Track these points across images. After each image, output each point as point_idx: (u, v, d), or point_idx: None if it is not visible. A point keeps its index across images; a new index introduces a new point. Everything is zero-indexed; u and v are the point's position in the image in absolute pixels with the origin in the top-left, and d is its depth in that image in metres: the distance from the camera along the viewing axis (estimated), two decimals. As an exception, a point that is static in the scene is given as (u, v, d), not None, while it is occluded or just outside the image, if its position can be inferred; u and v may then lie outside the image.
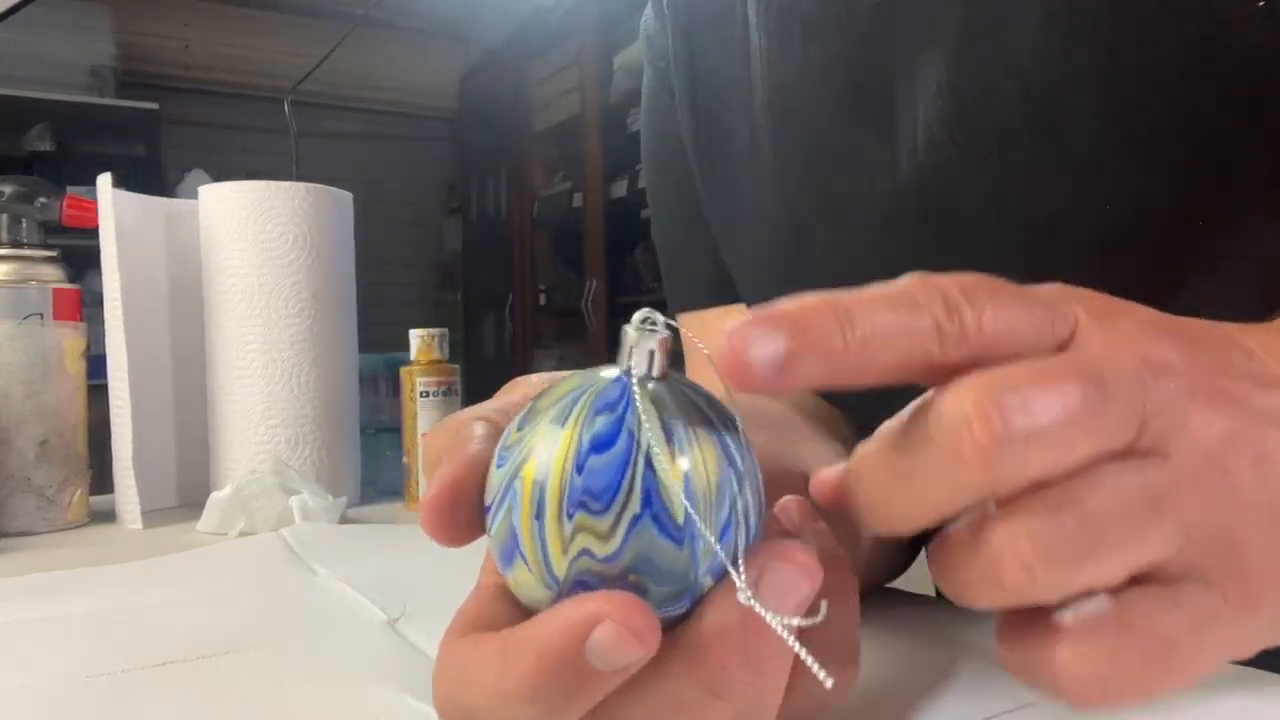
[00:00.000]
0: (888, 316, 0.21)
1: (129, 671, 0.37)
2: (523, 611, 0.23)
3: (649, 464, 0.21)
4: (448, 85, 3.87)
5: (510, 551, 0.22)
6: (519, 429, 0.23)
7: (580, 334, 3.12)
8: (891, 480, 0.22)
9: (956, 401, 0.20)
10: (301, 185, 0.76)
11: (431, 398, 0.80)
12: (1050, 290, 0.22)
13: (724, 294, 0.57)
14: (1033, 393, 0.20)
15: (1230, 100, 0.32)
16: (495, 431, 0.25)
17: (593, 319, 3.02)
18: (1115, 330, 0.22)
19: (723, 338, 0.20)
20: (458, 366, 0.82)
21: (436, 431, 0.25)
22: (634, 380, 0.22)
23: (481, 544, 0.25)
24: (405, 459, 0.81)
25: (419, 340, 0.80)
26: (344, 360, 0.79)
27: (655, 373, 0.22)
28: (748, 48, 0.47)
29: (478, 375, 3.56)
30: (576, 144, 3.07)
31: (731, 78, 0.49)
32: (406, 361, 0.81)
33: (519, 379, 0.32)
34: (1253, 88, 0.31)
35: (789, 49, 0.44)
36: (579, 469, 0.21)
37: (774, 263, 0.48)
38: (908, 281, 0.21)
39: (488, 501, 0.23)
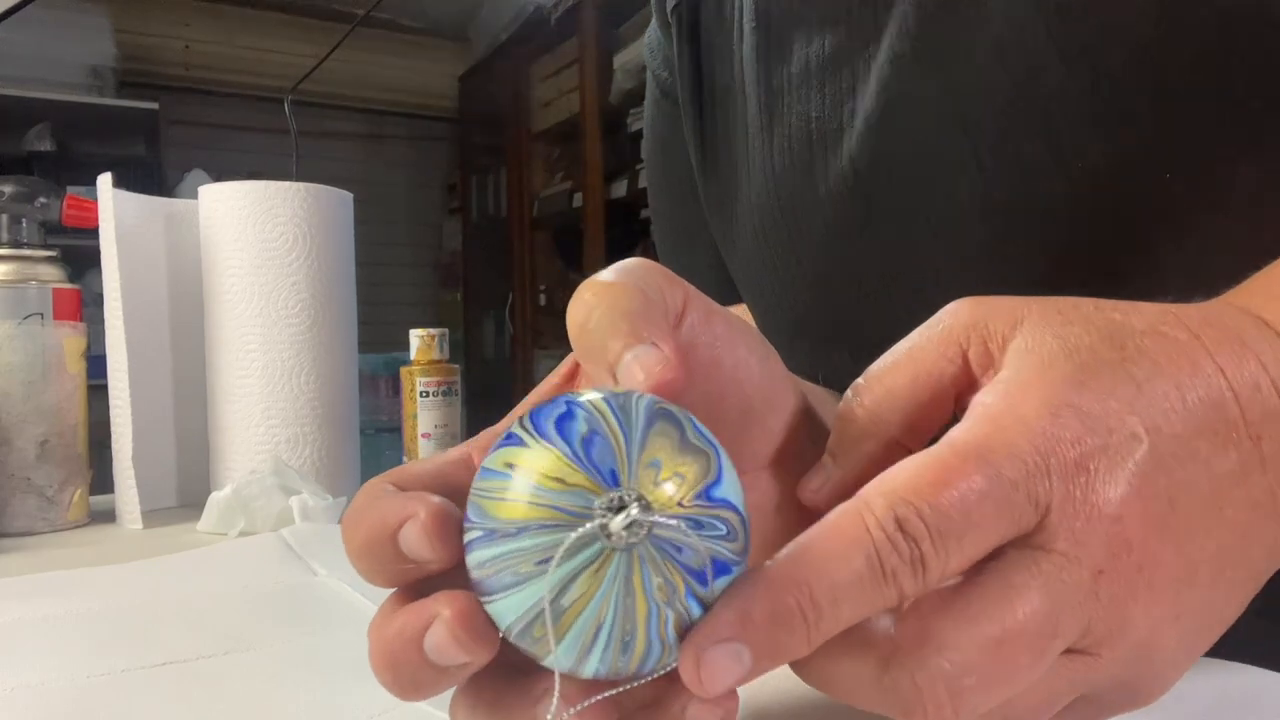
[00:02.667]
0: (854, 604, 0.21)
1: (129, 671, 0.37)
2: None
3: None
4: (448, 85, 3.87)
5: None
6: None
7: (580, 334, 3.11)
8: (844, 676, 0.22)
9: (910, 682, 0.21)
10: (301, 185, 0.76)
11: (431, 398, 0.80)
12: (1024, 466, 0.21)
13: (725, 295, 0.58)
14: (987, 671, 0.21)
15: (1199, 52, 0.32)
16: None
17: (593, 319, 3.01)
18: (1080, 514, 0.21)
19: (692, 654, 0.20)
20: (458, 366, 0.82)
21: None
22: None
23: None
24: (405, 459, 0.81)
25: (419, 340, 0.80)
26: (344, 360, 0.79)
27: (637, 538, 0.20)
28: (743, 50, 0.48)
29: (478, 375, 3.56)
30: (576, 144, 3.07)
31: (731, 81, 0.50)
32: (406, 361, 0.81)
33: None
34: (1222, 42, 0.32)
35: (778, 49, 0.45)
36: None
37: (770, 265, 0.48)
38: (878, 533, 0.20)
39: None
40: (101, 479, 0.74)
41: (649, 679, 0.21)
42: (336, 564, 0.54)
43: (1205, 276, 0.28)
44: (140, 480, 0.70)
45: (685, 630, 0.21)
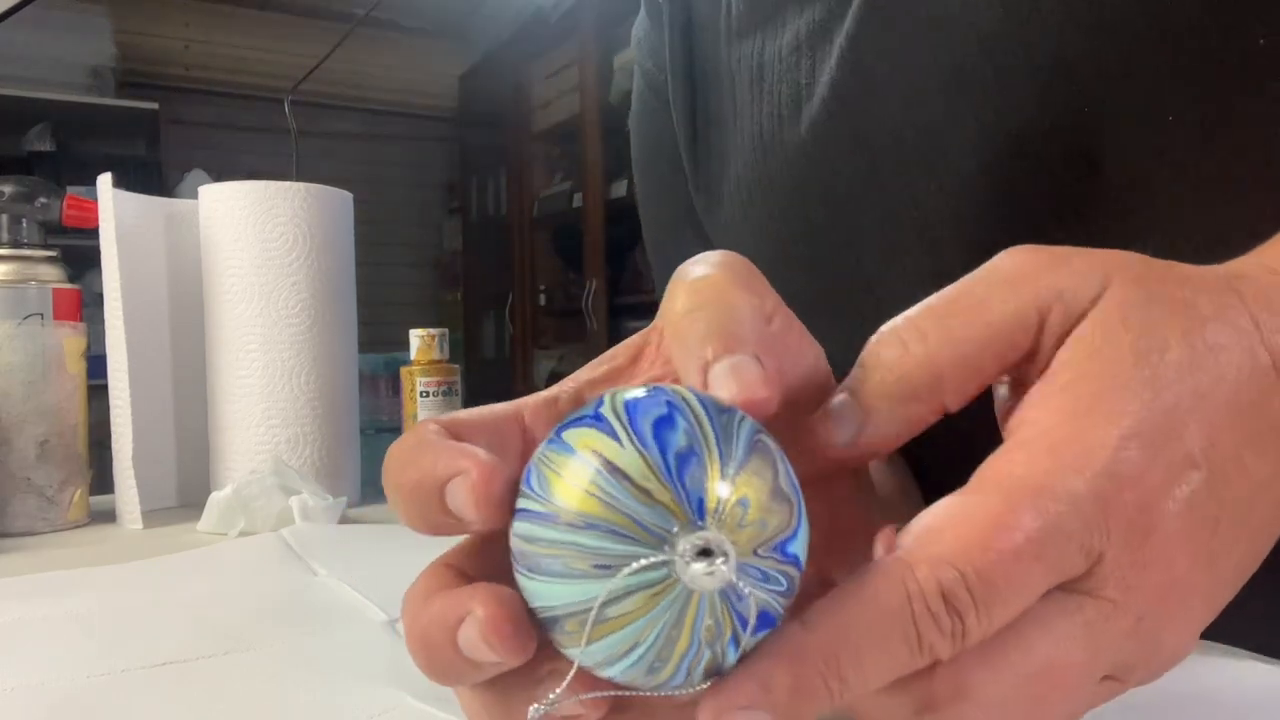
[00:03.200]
0: (883, 675, 0.20)
1: (129, 671, 0.37)
2: None
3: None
4: (448, 85, 3.87)
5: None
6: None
7: (580, 334, 3.12)
8: (878, 711, 0.21)
9: None
10: (301, 185, 0.76)
11: (431, 398, 0.80)
12: (1083, 518, 0.20)
13: None
14: (1021, 718, 0.20)
15: None
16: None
17: (593, 319, 3.02)
18: (1134, 563, 0.21)
19: (707, 714, 0.20)
20: (458, 366, 0.82)
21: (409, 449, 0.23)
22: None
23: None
24: (405, 459, 0.81)
25: (419, 340, 0.80)
26: (344, 360, 0.79)
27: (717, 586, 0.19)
28: (732, 25, 0.48)
29: (478, 375, 3.56)
30: (576, 144, 3.07)
31: (719, 57, 0.50)
32: (406, 361, 0.81)
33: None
34: None
35: (771, 22, 0.45)
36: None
37: (758, 241, 0.48)
38: (919, 606, 0.19)
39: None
40: (101, 479, 0.74)
41: (657, 695, 0.21)
42: (336, 564, 0.54)
43: (1214, 227, 0.27)
44: (140, 480, 0.70)
45: (713, 671, 0.20)
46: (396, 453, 0.23)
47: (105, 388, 0.72)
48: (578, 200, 3.06)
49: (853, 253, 0.43)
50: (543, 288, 3.37)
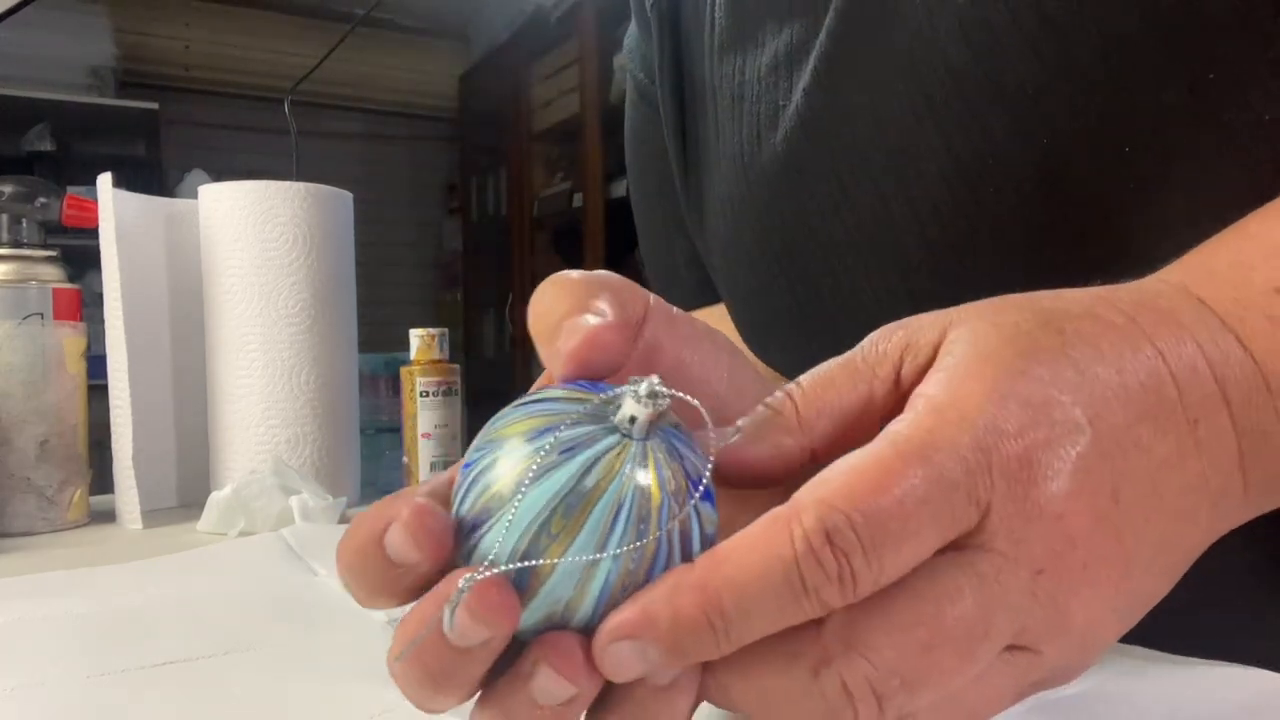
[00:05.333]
0: (768, 618, 0.20)
1: (129, 671, 0.37)
2: None
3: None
4: (448, 85, 3.87)
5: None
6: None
7: (580, 334, 3.12)
8: (776, 691, 0.21)
9: (840, 685, 0.21)
10: (301, 185, 0.76)
11: (431, 398, 0.80)
12: (966, 464, 0.21)
13: (705, 295, 0.59)
14: (912, 674, 0.20)
15: (1155, 26, 0.32)
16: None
17: (593, 319, 3.01)
18: (1021, 513, 0.21)
19: (598, 644, 0.21)
20: (458, 366, 0.82)
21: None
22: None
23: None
24: (405, 459, 0.81)
25: (419, 340, 0.80)
26: (344, 360, 0.79)
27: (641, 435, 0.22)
28: (713, 43, 0.49)
29: (478, 375, 3.56)
30: (576, 144, 3.07)
31: (705, 74, 0.50)
32: (406, 361, 0.81)
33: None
34: (1175, 16, 0.31)
35: (751, 40, 0.46)
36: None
37: (744, 259, 0.48)
38: (801, 546, 0.20)
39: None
40: (101, 479, 0.74)
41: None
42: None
43: (1175, 257, 0.28)
44: (140, 480, 0.70)
45: (686, 539, 0.21)
46: (340, 539, 0.23)
47: (105, 388, 0.72)
48: (578, 200, 3.06)
49: (829, 272, 0.43)
50: (543, 287, 3.36)
